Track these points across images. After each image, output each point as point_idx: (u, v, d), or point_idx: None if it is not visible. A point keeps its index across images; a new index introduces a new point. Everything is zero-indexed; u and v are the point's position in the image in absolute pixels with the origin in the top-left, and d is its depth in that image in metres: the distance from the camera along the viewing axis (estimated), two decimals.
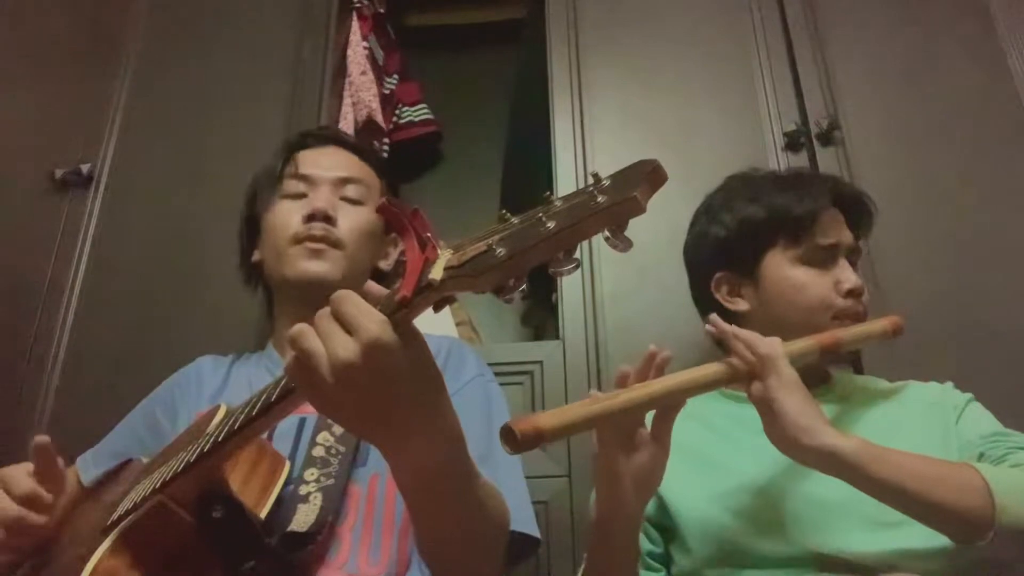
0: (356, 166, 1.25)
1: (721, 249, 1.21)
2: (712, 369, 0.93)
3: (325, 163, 1.23)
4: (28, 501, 0.92)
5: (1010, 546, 0.85)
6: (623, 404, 0.84)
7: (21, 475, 0.94)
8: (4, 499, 0.92)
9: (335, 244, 1.15)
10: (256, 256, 1.25)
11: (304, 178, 1.20)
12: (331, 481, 0.95)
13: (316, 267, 1.13)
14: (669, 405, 0.91)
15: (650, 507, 1.09)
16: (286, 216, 1.17)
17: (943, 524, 0.87)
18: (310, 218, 1.15)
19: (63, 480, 0.98)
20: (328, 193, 1.19)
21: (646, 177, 0.51)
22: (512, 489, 0.96)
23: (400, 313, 0.64)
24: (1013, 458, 0.96)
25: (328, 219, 1.15)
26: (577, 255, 0.54)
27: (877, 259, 1.50)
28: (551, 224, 0.52)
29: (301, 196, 1.19)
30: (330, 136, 1.29)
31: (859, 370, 1.37)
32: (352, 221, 1.18)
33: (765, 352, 0.92)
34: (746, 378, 0.93)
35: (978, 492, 0.85)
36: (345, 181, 1.21)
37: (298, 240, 1.14)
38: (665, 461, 0.93)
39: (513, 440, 0.71)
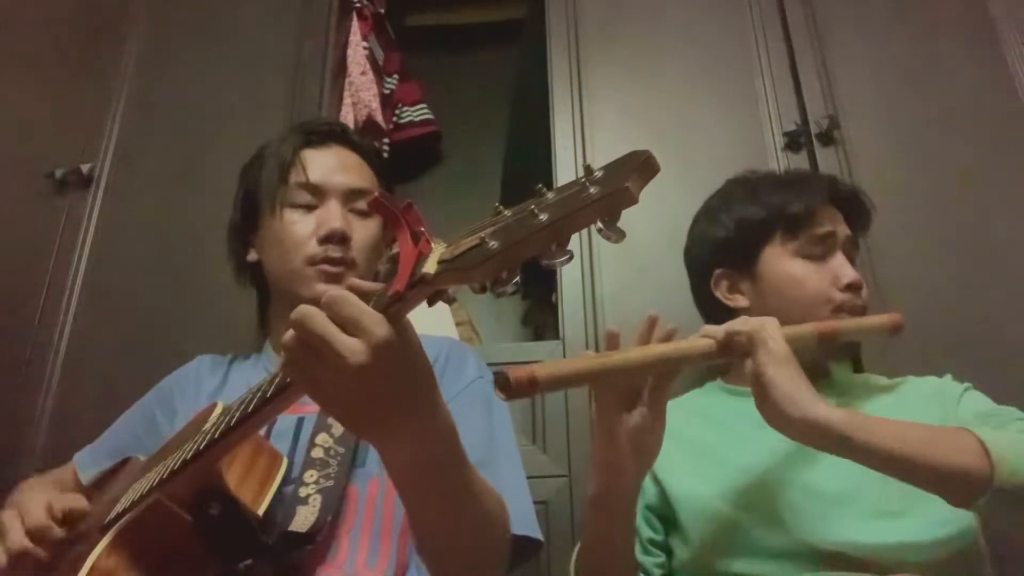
0: (362, 172, 1.21)
1: (720, 248, 1.23)
2: (708, 342, 0.92)
3: (334, 170, 1.18)
4: (38, 535, 0.91)
5: (1009, 506, 0.83)
6: (617, 363, 0.84)
7: (38, 507, 0.92)
8: (16, 527, 0.92)
9: (351, 265, 1.13)
10: (252, 256, 1.22)
11: (313, 188, 1.16)
12: (330, 483, 0.95)
13: None
14: (664, 373, 0.90)
15: (653, 497, 1.10)
16: (297, 230, 1.13)
17: (940, 485, 0.85)
18: (326, 239, 1.12)
19: (80, 521, 0.96)
20: (340, 208, 1.15)
21: (638, 168, 0.51)
22: (513, 492, 0.96)
23: (394, 307, 0.64)
24: (1013, 427, 0.96)
25: (344, 240, 1.13)
26: (570, 247, 0.53)
27: (877, 259, 1.50)
28: (544, 216, 0.52)
29: (310, 207, 1.15)
30: (335, 134, 1.24)
31: (859, 368, 1.37)
32: (364, 238, 1.16)
33: (757, 327, 0.91)
34: (741, 354, 0.91)
35: (973, 451, 0.84)
36: (355, 193, 1.17)
37: (314, 262, 1.11)
38: (662, 431, 0.92)
39: (507, 386, 0.71)
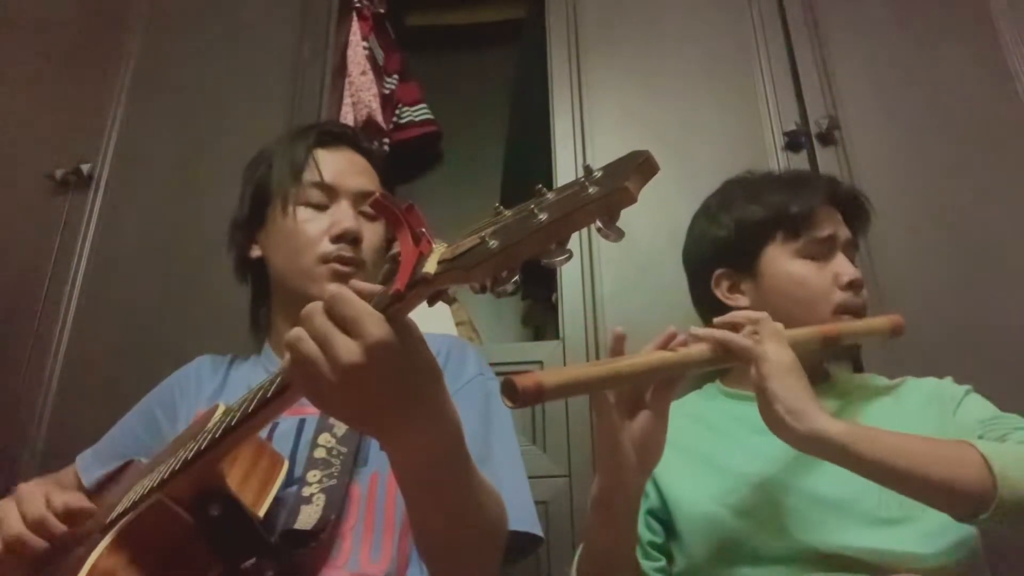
0: (371, 176, 1.22)
1: (720, 248, 1.23)
2: (711, 348, 0.92)
3: (346, 172, 1.19)
4: (36, 525, 0.90)
5: (1011, 520, 0.83)
6: (622, 370, 0.84)
7: (38, 497, 0.92)
8: (12, 515, 0.91)
9: (360, 265, 1.14)
10: (256, 252, 1.22)
11: (326, 188, 1.16)
12: (333, 481, 0.95)
13: None
14: (668, 378, 0.91)
15: (654, 501, 1.10)
16: (309, 228, 1.14)
17: (942, 500, 0.85)
18: (339, 238, 1.13)
19: (85, 519, 0.95)
20: (352, 209, 1.16)
21: (637, 168, 0.51)
22: (512, 488, 0.96)
23: (394, 307, 0.64)
24: (1014, 437, 0.95)
25: (356, 241, 1.14)
26: (570, 247, 0.54)
27: (877, 259, 1.50)
28: (543, 216, 0.52)
29: (322, 206, 1.16)
30: (347, 137, 1.26)
31: (859, 369, 1.37)
32: (372, 239, 1.17)
33: (763, 334, 0.92)
34: (744, 359, 0.91)
35: (975, 465, 0.84)
36: (364, 196, 1.18)
37: (326, 260, 1.12)
38: (664, 434, 0.92)
39: (514, 394, 0.71)
